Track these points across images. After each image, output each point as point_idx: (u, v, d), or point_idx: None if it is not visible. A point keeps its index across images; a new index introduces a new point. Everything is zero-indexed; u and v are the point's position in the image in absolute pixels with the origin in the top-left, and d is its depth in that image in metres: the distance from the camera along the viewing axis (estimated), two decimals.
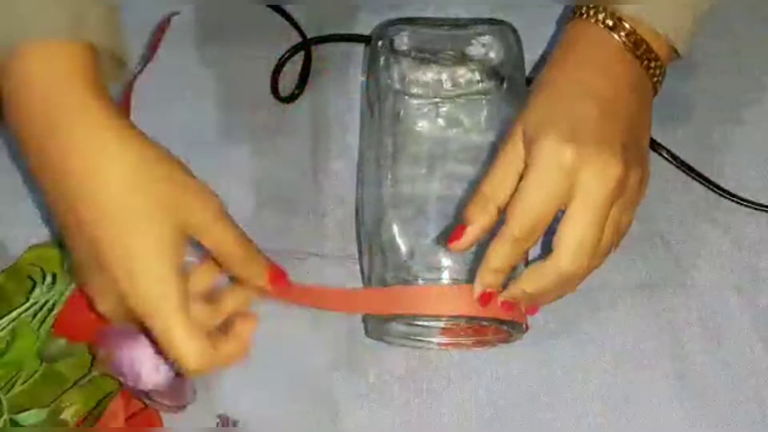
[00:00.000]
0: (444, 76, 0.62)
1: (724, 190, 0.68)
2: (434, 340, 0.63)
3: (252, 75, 0.74)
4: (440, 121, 0.63)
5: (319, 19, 0.76)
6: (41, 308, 0.60)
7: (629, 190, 0.55)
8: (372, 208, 0.62)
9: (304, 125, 0.71)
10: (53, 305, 0.60)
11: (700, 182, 0.69)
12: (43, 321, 0.60)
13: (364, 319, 0.63)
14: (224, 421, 0.62)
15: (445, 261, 0.60)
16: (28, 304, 0.60)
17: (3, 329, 0.59)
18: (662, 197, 0.68)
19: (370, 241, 0.62)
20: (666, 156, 0.69)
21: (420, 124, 0.63)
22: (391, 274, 0.60)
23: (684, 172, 0.69)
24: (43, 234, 0.66)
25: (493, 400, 0.63)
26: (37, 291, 0.60)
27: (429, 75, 0.62)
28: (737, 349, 0.64)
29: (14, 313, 0.59)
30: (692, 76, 0.72)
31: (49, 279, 0.61)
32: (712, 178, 0.69)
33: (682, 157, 0.69)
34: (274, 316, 0.64)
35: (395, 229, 0.61)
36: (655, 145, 0.69)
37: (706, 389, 0.63)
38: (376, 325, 0.61)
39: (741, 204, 0.68)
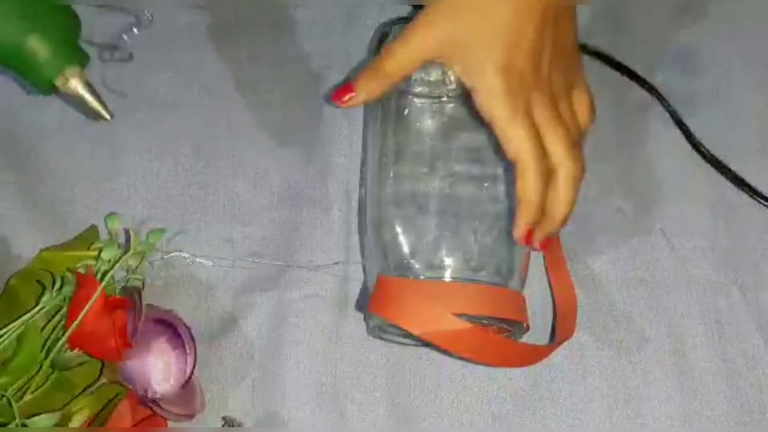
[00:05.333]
0: (448, 75, 0.61)
1: (742, 181, 0.68)
2: None
3: (259, 74, 0.74)
4: (443, 120, 0.62)
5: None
6: (53, 315, 0.60)
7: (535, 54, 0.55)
8: (374, 205, 0.62)
9: (314, 120, 0.71)
10: (63, 312, 0.60)
11: (717, 169, 0.68)
12: (54, 329, 0.60)
13: (365, 318, 0.63)
14: (229, 422, 0.62)
15: (447, 260, 0.59)
16: (36, 309, 0.60)
17: (12, 334, 0.59)
18: (664, 193, 0.68)
19: (372, 238, 0.62)
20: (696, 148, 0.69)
21: (423, 123, 0.62)
22: (393, 273, 0.60)
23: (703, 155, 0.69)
24: (49, 234, 0.67)
25: (493, 399, 0.63)
26: (46, 296, 0.60)
27: (432, 74, 0.61)
28: (738, 346, 0.64)
29: (23, 318, 0.59)
30: (698, 75, 0.71)
31: (58, 283, 0.61)
32: None
33: None
34: (278, 318, 0.65)
35: (397, 227, 0.60)
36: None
37: (706, 386, 0.63)
38: (377, 324, 0.61)
39: (753, 197, 0.68)
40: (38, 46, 0.56)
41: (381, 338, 0.63)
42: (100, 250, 0.63)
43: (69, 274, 0.61)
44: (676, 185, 0.68)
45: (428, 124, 0.62)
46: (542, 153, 0.55)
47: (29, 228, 0.68)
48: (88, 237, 0.66)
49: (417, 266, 0.59)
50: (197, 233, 0.68)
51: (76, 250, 0.65)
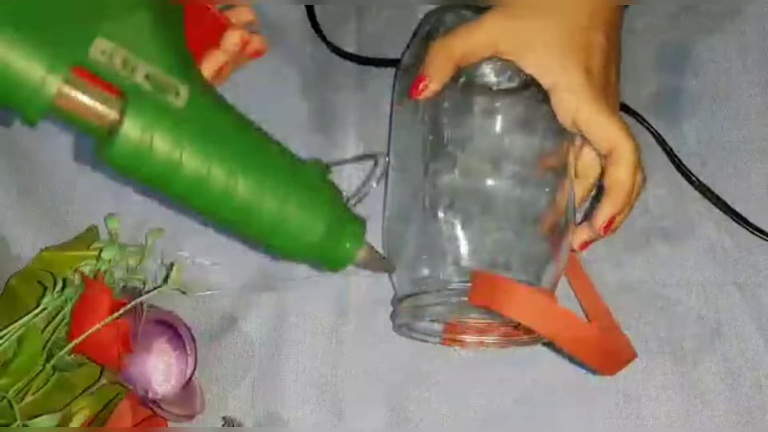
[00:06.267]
0: (519, 75, 0.59)
1: (729, 207, 0.67)
2: (467, 339, 0.63)
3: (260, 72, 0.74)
4: (510, 120, 0.59)
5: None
6: (54, 317, 0.60)
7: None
8: (429, 198, 0.59)
9: (317, 119, 0.71)
10: (65, 313, 0.60)
11: (709, 199, 0.68)
12: (54, 330, 0.60)
13: (392, 316, 0.62)
14: (229, 422, 0.62)
15: (509, 261, 0.58)
16: (37, 310, 0.60)
17: (13, 335, 0.59)
18: (664, 194, 0.68)
19: (423, 232, 0.59)
20: (673, 160, 0.69)
21: (490, 121, 0.60)
22: (449, 269, 0.58)
23: (686, 177, 0.68)
24: (49, 234, 0.67)
25: (493, 399, 0.63)
26: (47, 297, 0.60)
27: (491, 66, 0.59)
28: (738, 346, 0.64)
29: (24, 319, 0.59)
30: (698, 73, 0.71)
31: (59, 285, 0.61)
32: (713, 178, 0.68)
33: (684, 152, 0.69)
34: (278, 318, 0.66)
35: (459, 222, 0.58)
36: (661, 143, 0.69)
37: (706, 386, 0.63)
38: (405, 322, 0.60)
39: (741, 225, 0.67)
40: (331, 238, 0.52)
41: (407, 336, 0.63)
42: (100, 250, 0.63)
43: (71, 276, 0.61)
44: (675, 186, 0.68)
45: (495, 122, 0.60)
46: (636, 143, 0.57)
47: (29, 228, 0.68)
48: (88, 237, 0.66)
49: (479, 264, 0.58)
50: (197, 233, 0.68)
51: (76, 250, 0.65)
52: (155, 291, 0.61)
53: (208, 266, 0.67)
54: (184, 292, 0.63)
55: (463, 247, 0.58)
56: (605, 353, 0.56)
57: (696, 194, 0.68)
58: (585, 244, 0.60)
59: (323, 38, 0.74)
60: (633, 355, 0.58)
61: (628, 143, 0.56)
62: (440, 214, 0.58)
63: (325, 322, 0.65)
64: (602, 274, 0.66)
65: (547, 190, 0.59)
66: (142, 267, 0.65)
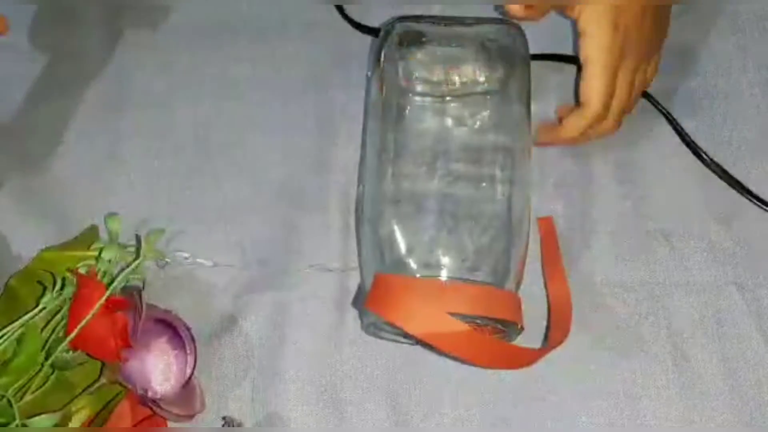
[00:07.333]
0: (449, 75, 0.62)
1: (742, 187, 0.67)
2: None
3: (259, 74, 0.74)
4: (443, 119, 0.63)
5: None
6: (53, 316, 0.60)
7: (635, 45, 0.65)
8: (372, 203, 0.62)
9: (309, 117, 0.71)
10: (64, 312, 0.60)
11: (718, 174, 0.68)
12: (54, 329, 0.60)
13: (360, 316, 0.63)
14: (229, 422, 0.62)
15: (443, 259, 0.59)
16: (37, 310, 0.60)
17: (13, 334, 0.59)
18: (664, 194, 0.68)
19: (369, 235, 0.62)
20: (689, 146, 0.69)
21: (423, 122, 0.63)
22: (389, 271, 0.60)
23: (703, 161, 0.68)
24: (49, 234, 0.67)
25: (493, 399, 0.63)
26: (47, 296, 0.60)
27: (434, 73, 0.62)
28: (738, 346, 0.63)
29: (23, 319, 0.59)
30: (698, 73, 0.71)
31: (58, 284, 0.61)
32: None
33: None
34: (278, 318, 0.65)
35: (394, 224, 0.60)
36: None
37: (706, 386, 0.62)
38: (372, 322, 0.61)
39: (754, 202, 0.67)
40: None
41: (376, 336, 0.63)
42: (101, 251, 0.63)
43: (70, 275, 0.61)
44: (676, 186, 0.68)
45: (429, 123, 0.63)
46: (606, 109, 0.65)
47: (29, 228, 0.68)
48: (88, 237, 0.66)
49: (413, 265, 0.59)
50: (197, 233, 0.68)
51: (76, 250, 0.65)
52: (133, 266, 0.62)
53: (208, 266, 0.67)
54: (167, 262, 0.64)
55: (399, 248, 0.60)
56: (484, 350, 0.57)
57: (697, 194, 0.68)
58: (541, 144, 0.68)
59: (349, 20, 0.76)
60: (556, 345, 0.60)
61: (595, 105, 0.64)
62: (380, 217, 0.61)
63: (325, 322, 0.65)
64: (602, 273, 0.66)
65: (485, 185, 0.61)
66: (142, 267, 0.66)
